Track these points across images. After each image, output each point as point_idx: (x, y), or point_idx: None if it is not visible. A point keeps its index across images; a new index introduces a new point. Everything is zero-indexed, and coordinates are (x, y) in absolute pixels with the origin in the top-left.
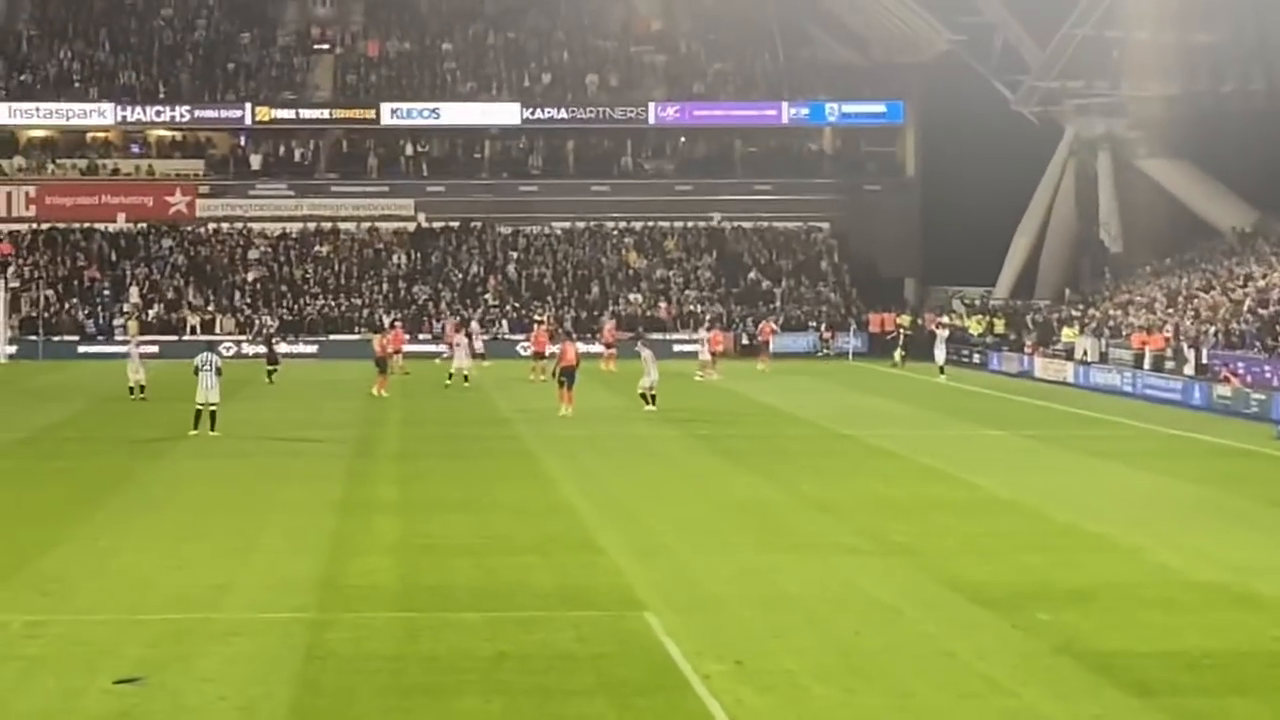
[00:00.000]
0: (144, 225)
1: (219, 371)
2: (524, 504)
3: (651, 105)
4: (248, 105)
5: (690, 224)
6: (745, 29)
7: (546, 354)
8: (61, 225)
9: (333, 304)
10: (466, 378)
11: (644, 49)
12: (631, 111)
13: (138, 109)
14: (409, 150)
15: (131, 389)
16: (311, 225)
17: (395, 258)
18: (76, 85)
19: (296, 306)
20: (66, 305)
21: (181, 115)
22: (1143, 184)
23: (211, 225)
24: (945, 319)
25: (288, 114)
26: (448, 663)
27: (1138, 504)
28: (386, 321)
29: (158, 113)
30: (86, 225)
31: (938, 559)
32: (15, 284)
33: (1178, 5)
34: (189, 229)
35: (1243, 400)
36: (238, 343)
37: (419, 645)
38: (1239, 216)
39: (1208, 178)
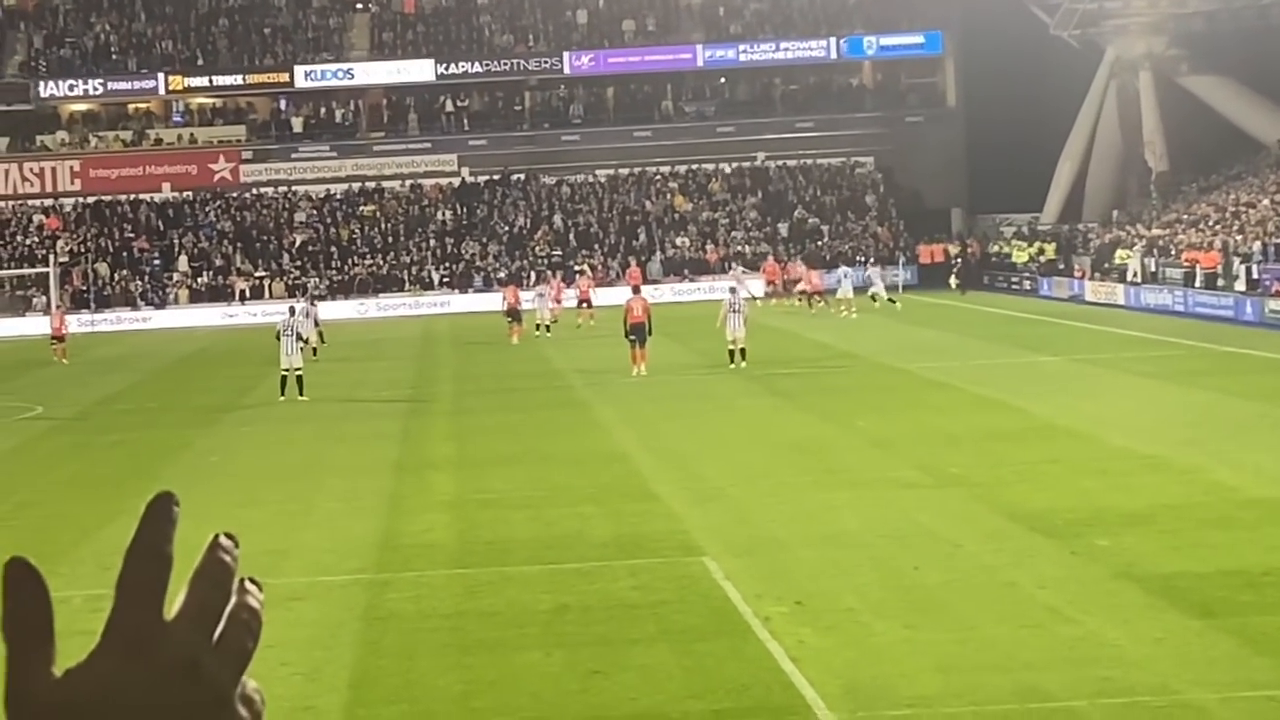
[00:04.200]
0: (189, 194)
1: (299, 337)
2: (579, 454)
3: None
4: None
5: (734, 165)
6: None
7: (592, 302)
8: (107, 198)
9: (381, 263)
10: (549, 328)
11: None
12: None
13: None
14: (449, 106)
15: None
16: (356, 186)
17: (440, 214)
18: (115, 57)
19: (345, 267)
20: (117, 276)
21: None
22: (1186, 101)
23: (256, 190)
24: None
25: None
26: (508, 617)
27: (1192, 423)
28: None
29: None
30: (132, 196)
31: (995, 489)
32: (65, 258)
33: None
34: (234, 195)
35: None
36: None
37: (479, 601)
38: None
39: (1251, 92)
